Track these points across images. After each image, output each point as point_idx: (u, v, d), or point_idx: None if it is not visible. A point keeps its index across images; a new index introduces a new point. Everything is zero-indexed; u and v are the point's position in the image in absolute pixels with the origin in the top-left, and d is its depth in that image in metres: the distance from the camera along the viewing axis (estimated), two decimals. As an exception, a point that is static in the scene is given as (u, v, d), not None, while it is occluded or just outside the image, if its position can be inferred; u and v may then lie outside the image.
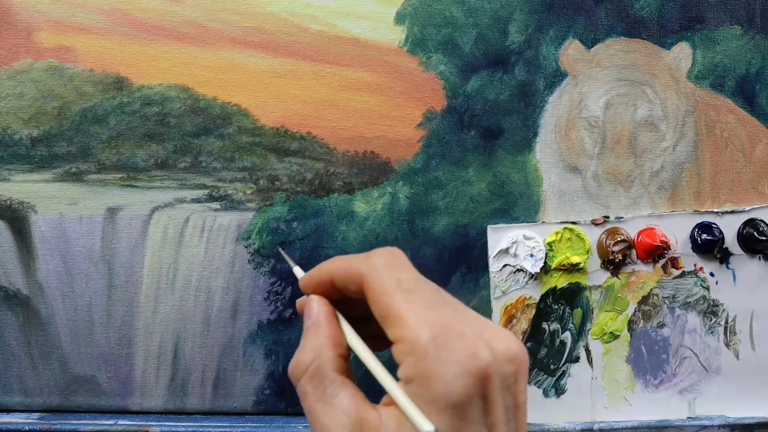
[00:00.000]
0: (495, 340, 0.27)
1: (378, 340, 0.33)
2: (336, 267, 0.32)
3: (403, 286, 0.29)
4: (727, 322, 0.53)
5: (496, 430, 0.27)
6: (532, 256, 0.52)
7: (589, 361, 0.53)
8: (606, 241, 0.52)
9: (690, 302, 0.53)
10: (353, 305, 0.33)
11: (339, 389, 0.29)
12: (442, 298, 0.29)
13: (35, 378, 0.53)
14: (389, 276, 0.29)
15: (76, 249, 0.52)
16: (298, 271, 0.38)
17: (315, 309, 0.32)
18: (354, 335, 0.32)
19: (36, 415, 0.53)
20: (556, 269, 0.52)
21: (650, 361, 0.53)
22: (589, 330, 0.53)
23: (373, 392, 0.30)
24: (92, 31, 0.51)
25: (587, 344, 0.53)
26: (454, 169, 0.52)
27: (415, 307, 0.28)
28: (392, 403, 0.28)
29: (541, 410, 0.53)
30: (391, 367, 0.29)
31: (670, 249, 0.52)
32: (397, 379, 0.28)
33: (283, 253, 0.45)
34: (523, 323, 0.53)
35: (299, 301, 0.34)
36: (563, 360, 0.53)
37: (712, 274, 0.53)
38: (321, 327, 0.31)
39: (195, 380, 0.53)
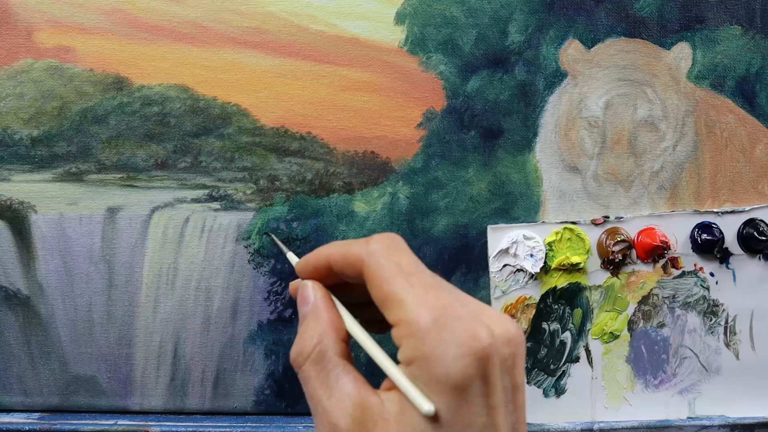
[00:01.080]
0: (493, 323, 0.28)
1: (374, 325, 0.33)
2: (334, 251, 0.31)
3: (403, 270, 0.29)
4: (727, 322, 0.53)
5: (495, 412, 0.27)
6: (532, 256, 0.52)
7: (589, 361, 0.53)
8: (606, 241, 0.52)
9: (690, 302, 0.53)
10: (349, 291, 0.33)
11: (342, 374, 0.29)
12: (441, 283, 0.29)
13: (35, 378, 0.53)
14: (388, 260, 0.29)
15: (76, 249, 0.52)
16: (292, 257, 0.38)
17: (311, 295, 0.32)
18: (352, 320, 0.32)
19: (36, 415, 0.53)
20: (556, 269, 0.52)
21: (650, 361, 0.53)
22: (589, 330, 0.53)
23: (373, 378, 0.30)
24: (92, 31, 0.51)
25: (587, 344, 0.53)
26: (454, 169, 0.52)
27: (415, 290, 0.28)
28: (393, 387, 0.28)
29: (541, 410, 0.53)
30: (391, 352, 0.29)
31: (670, 249, 0.52)
32: (397, 362, 0.28)
33: (275, 239, 0.45)
34: (523, 323, 0.53)
35: (292, 285, 0.34)
36: (563, 360, 0.53)
37: (712, 274, 0.53)
38: (320, 312, 0.31)
39: (195, 380, 0.53)
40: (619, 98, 0.52)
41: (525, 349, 0.29)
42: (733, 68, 0.53)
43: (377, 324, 0.33)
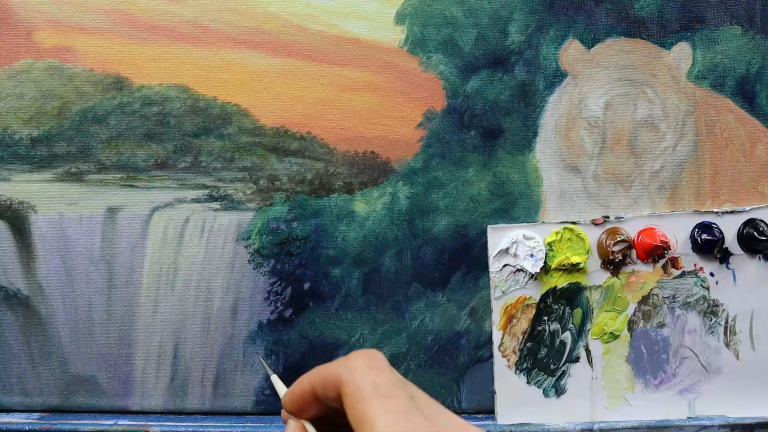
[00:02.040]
0: None
1: None
2: (316, 375, 0.31)
3: (379, 391, 0.29)
4: (727, 322, 0.53)
5: None
6: (532, 256, 0.52)
7: (589, 361, 0.53)
8: (606, 241, 0.52)
9: (690, 302, 0.53)
10: (341, 416, 0.33)
11: None
12: (417, 405, 0.29)
13: (35, 378, 0.53)
14: (365, 379, 0.29)
15: (76, 249, 0.52)
16: (276, 381, 0.38)
17: None
18: None
19: (36, 415, 0.53)
20: (556, 269, 0.52)
21: (650, 361, 0.53)
22: (589, 330, 0.53)
23: None
24: (92, 31, 0.51)
25: (587, 344, 0.53)
26: (454, 169, 0.52)
27: (388, 415, 0.28)
28: None
29: (541, 410, 0.53)
30: None
31: (670, 249, 0.52)
32: None
33: (263, 361, 0.46)
34: (523, 323, 0.53)
35: (283, 415, 0.34)
36: (563, 360, 0.53)
37: (712, 274, 0.53)
38: None
39: (195, 380, 0.53)
40: (619, 98, 0.52)
41: None
42: (733, 68, 0.53)
43: None
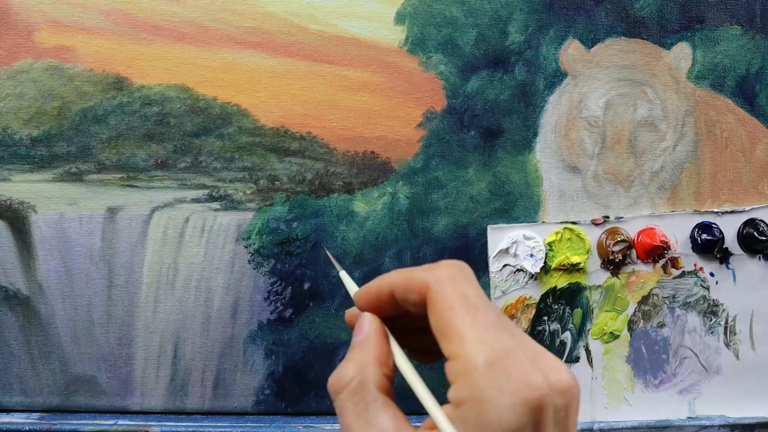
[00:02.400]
0: (550, 371, 0.27)
1: (426, 355, 0.32)
2: (397, 278, 0.30)
3: (468, 302, 0.28)
4: (727, 322, 0.53)
5: None
6: (532, 256, 0.52)
7: (589, 361, 0.53)
8: (606, 241, 0.52)
9: (690, 302, 0.53)
10: (405, 319, 0.32)
11: (381, 409, 0.28)
12: (503, 322, 0.28)
13: (35, 378, 0.53)
14: (454, 289, 0.28)
15: (76, 249, 0.52)
16: (345, 277, 0.36)
17: (366, 326, 0.31)
18: (403, 356, 0.31)
19: (36, 415, 0.53)
20: (556, 269, 0.52)
21: (650, 361, 0.53)
22: (589, 330, 0.53)
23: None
24: (92, 31, 0.51)
25: (587, 344, 0.53)
26: (454, 169, 0.52)
27: (477, 327, 0.27)
28: (434, 427, 0.27)
29: (541, 410, 0.53)
30: (434, 387, 0.29)
31: (670, 249, 0.52)
32: (444, 400, 0.27)
33: (330, 255, 0.43)
34: (523, 323, 0.53)
35: (349, 313, 0.33)
36: (563, 360, 0.53)
37: (712, 274, 0.53)
38: (369, 343, 0.30)
39: (195, 380, 0.53)
40: (619, 98, 0.52)
41: (580, 400, 0.28)
42: (733, 68, 0.53)
43: (428, 354, 0.32)
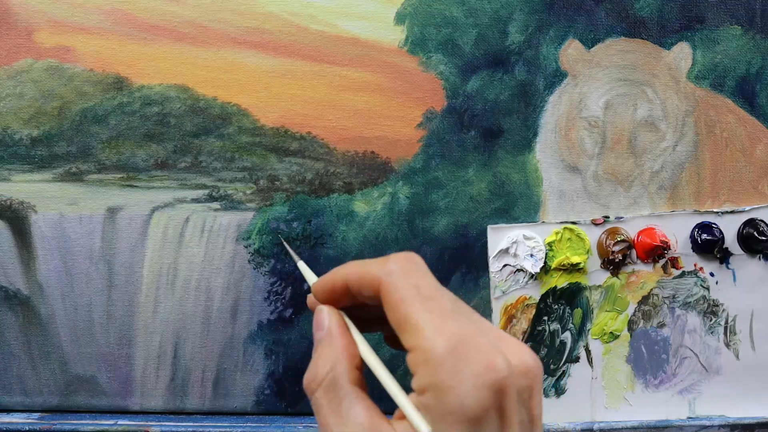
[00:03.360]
0: (511, 353, 0.27)
1: (397, 341, 0.33)
2: (351, 272, 0.31)
3: (421, 293, 0.28)
4: (727, 322, 0.53)
5: None
6: (532, 256, 0.52)
7: (589, 361, 0.53)
8: (606, 241, 0.52)
9: (690, 302, 0.53)
10: (366, 308, 0.32)
11: (354, 401, 0.28)
12: (460, 308, 0.28)
13: (35, 378, 0.53)
14: (406, 282, 0.29)
15: (76, 249, 0.52)
16: (304, 268, 0.37)
17: (326, 320, 0.31)
18: (366, 346, 0.31)
19: (36, 415, 0.53)
20: (556, 269, 0.52)
21: (650, 361, 0.53)
22: (589, 330, 0.53)
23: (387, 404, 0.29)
24: (92, 31, 0.51)
25: (587, 344, 0.53)
26: (454, 169, 0.52)
27: (433, 317, 0.27)
28: (405, 417, 0.27)
29: (541, 410, 0.53)
30: (403, 377, 0.29)
31: (670, 249, 0.52)
32: (410, 390, 0.28)
33: (287, 246, 0.44)
34: (523, 323, 0.53)
35: (310, 300, 0.34)
36: (563, 360, 0.53)
37: (712, 274, 0.53)
38: (334, 338, 0.31)
39: (195, 380, 0.53)
40: (619, 98, 0.52)
41: (542, 380, 0.28)
42: (733, 68, 0.53)
43: (395, 341, 0.32)
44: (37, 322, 0.53)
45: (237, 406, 0.53)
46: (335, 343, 0.31)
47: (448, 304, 0.28)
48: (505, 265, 0.52)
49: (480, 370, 0.26)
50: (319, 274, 0.53)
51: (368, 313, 0.32)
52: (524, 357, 0.27)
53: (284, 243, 0.45)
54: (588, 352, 0.53)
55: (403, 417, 0.28)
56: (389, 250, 0.52)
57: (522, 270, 0.52)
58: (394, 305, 0.28)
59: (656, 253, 0.52)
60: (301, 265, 0.37)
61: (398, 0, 0.51)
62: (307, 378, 0.30)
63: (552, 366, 0.53)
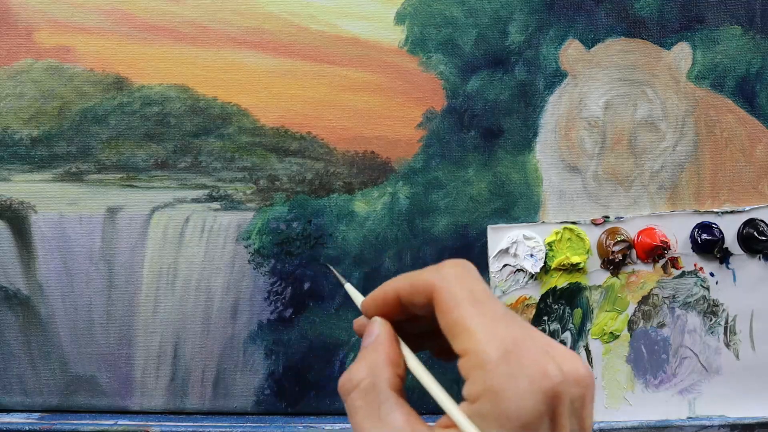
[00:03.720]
0: (563, 361, 0.26)
1: (443, 353, 0.32)
2: (402, 282, 0.31)
3: (475, 298, 0.28)
4: (727, 322, 0.53)
5: None
6: (532, 256, 0.52)
7: (589, 361, 0.53)
8: (606, 241, 0.52)
9: (690, 302, 0.53)
10: (414, 323, 0.32)
11: (394, 407, 0.28)
12: (511, 314, 0.28)
13: (35, 378, 0.53)
14: (460, 286, 0.28)
15: (76, 249, 0.52)
16: (350, 289, 0.37)
17: (376, 329, 0.31)
18: (414, 358, 0.31)
19: (36, 415, 0.53)
20: (556, 269, 0.52)
21: (650, 361, 0.53)
22: (589, 330, 0.53)
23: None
24: (92, 31, 0.51)
25: (587, 344, 0.53)
26: (454, 169, 0.52)
27: (486, 321, 0.27)
28: (450, 425, 0.27)
29: (541, 410, 0.53)
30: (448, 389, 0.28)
31: (670, 249, 0.52)
32: (460, 398, 0.27)
33: (334, 270, 0.43)
34: (523, 323, 0.53)
35: (357, 323, 0.33)
36: (563, 360, 0.53)
37: (712, 274, 0.53)
38: (380, 345, 0.30)
39: (195, 380, 0.53)
40: (619, 98, 0.52)
41: (594, 391, 0.28)
42: (733, 68, 0.53)
43: (445, 353, 0.31)
44: (37, 322, 0.53)
45: (237, 406, 0.53)
46: (380, 349, 0.30)
47: (500, 310, 0.28)
48: (505, 265, 0.52)
49: (534, 375, 0.25)
50: (318, 273, 0.53)
51: (418, 327, 0.32)
52: (576, 365, 0.27)
53: (329, 267, 0.45)
54: (588, 352, 0.53)
55: (448, 425, 0.27)
56: (389, 250, 0.53)
57: (522, 270, 0.52)
58: (448, 309, 0.28)
59: (656, 253, 0.52)
60: (348, 287, 0.37)
61: (398, 0, 0.51)
62: (343, 379, 0.30)
63: (552, 366, 0.53)
